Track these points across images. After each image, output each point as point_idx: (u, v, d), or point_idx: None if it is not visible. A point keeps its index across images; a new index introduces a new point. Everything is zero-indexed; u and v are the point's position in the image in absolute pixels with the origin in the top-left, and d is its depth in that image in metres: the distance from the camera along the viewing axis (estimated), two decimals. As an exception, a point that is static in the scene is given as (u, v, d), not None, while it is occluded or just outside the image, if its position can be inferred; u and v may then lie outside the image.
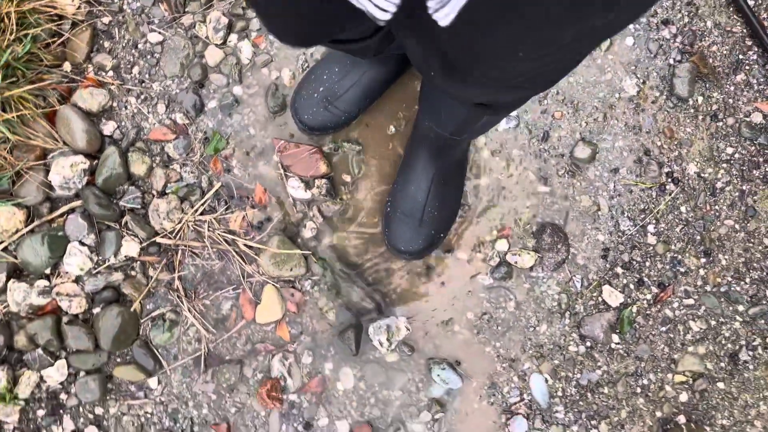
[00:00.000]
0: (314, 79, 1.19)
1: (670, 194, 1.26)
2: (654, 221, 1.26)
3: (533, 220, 1.25)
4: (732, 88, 1.30)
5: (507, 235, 1.24)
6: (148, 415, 1.19)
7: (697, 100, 1.29)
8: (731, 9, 1.30)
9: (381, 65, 1.17)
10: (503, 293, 1.24)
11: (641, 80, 1.29)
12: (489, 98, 0.75)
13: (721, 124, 1.29)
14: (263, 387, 1.19)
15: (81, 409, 1.19)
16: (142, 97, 1.25)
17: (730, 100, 1.29)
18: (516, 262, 1.23)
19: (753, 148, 1.28)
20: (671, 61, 1.29)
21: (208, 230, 1.21)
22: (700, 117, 1.29)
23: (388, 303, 1.23)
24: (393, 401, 1.21)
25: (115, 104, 1.24)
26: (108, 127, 1.23)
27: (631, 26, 1.30)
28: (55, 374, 1.16)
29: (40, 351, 1.15)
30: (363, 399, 1.21)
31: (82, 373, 1.17)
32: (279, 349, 1.21)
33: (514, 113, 1.26)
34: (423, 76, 0.77)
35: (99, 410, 1.19)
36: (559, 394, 1.22)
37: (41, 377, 1.16)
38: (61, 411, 1.18)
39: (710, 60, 1.30)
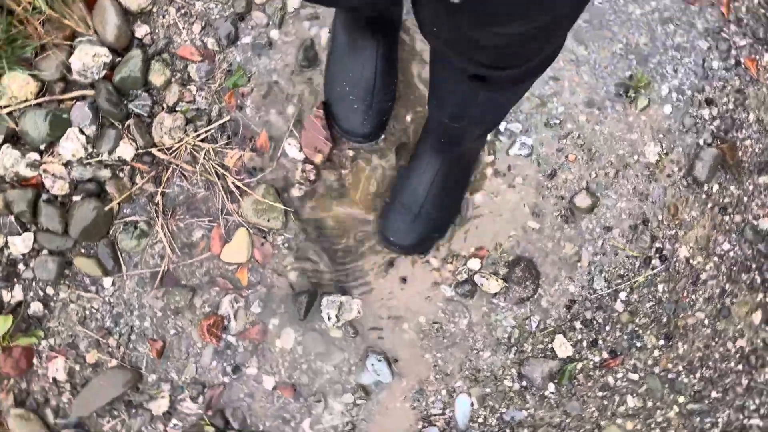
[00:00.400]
0: (343, 94, 1.19)
1: (653, 269, 1.25)
2: (628, 290, 1.25)
3: (512, 251, 1.25)
4: (751, 187, 1.27)
5: (482, 255, 1.24)
6: (93, 311, 1.23)
7: (712, 188, 1.27)
8: (778, 110, 1.27)
9: (380, 37, 1.16)
10: (460, 309, 1.25)
11: (664, 151, 1.27)
12: (482, 70, 0.74)
13: (727, 218, 1.27)
14: (207, 320, 1.22)
15: (34, 284, 1.23)
16: (183, 11, 1.26)
17: (745, 199, 1.27)
18: (482, 285, 1.23)
19: (750, 252, 1.26)
20: (701, 142, 1.27)
21: (204, 158, 1.23)
22: (710, 205, 1.27)
23: (349, 282, 1.25)
24: (323, 374, 1.24)
25: (154, 10, 1.26)
26: (141, 30, 1.24)
27: (673, 95, 1.27)
28: (20, 244, 1.19)
29: (12, 218, 1.19)
30: (296, 362, 1.24)
31: (44, 252, 1.21)
32: (233, 291, 1.24)
33: (529, 141, 1.25)
34: (427, 39, 0.76)
35: (50, 290, 1.23)
36: (480, 420, 1.24)
37: (6, 243, 1.20)
38: (15, 280, 1.22)
39: (739, 153, 1.27)
